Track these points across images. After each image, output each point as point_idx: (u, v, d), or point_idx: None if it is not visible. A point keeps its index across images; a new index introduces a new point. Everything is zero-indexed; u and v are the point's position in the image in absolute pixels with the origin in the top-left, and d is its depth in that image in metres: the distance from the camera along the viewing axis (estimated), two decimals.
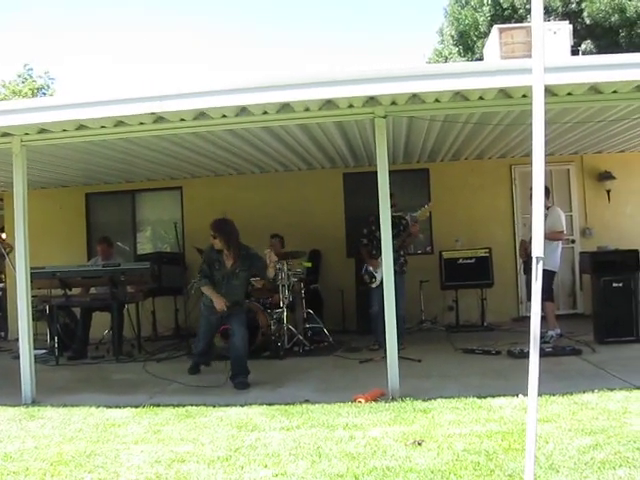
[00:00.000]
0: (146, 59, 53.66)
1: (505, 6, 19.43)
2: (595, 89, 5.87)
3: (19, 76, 29.11)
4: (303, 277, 9.33)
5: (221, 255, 6.99)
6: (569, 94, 5.92)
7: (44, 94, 28.26)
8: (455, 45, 22.92)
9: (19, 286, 6.48)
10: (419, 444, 4.32)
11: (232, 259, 6.96)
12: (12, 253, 8.11)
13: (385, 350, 6.09)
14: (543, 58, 3.26)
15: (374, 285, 8.33)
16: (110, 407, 5.84)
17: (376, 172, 6.20)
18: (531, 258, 3.34)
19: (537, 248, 3.28)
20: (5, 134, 6.47)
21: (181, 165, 9.85)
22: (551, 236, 8.19)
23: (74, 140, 6.74)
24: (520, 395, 5.33)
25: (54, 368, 8.23)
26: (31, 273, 6.67)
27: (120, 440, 4.80)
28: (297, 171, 11.08)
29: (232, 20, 54.83)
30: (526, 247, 8.55)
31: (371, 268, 8.35)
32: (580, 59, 6.71)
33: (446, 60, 23.01)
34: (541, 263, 3.28)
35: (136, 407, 5.80)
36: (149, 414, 5.56)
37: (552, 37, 10.97)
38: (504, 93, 5.92)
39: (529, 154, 3.31)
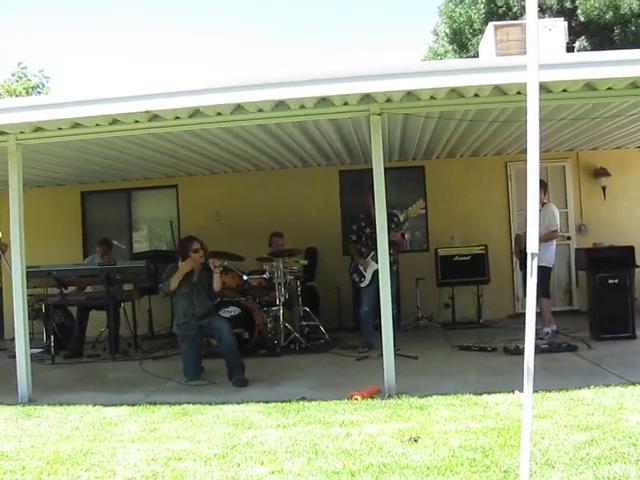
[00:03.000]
0: (142, 58, 53.60)
1: (499, 4, 19.43)
2: (590, 86, 5.89)
3: (13, 75, 29.04)
4: (299, 275, 9.32)
5: None
6: (564, 91, 5.92)
7: (39, 93, 28.20)
8: (450, 43, 22.92)
9: (15, 285, 6.48)
10: (415, 441, 4.33)
11: (197, 271, 7.16)
12: (8, 252, 8.09)
13: (381, 348, 6.10)
14: (537, 55, 3.26)
15: (363, 285, 8.28)
16: (106, 405, 5.84)
17: (372, 169, 6.21)
18: (526, 254, 3.35)
19: (532, 244, 3.28)
20: (0, 132, 6.46)
21: (177, 163, 9.83)
22: (546, 237, 8.20)
23: (69, 138, 6.73)
24: (516, 391, 5.33)
25: (50, 367, 8.23)
26: (27, 272, 6.66)
27: (116, 438, 4.80)
28: (293, 169, 11.06)
29: (229, 19, 54.75)
30: (520, 242, 8.56)
31: (361, 267, 8.29)
32: (575, 56, 6.73)
33: (441, 59, 22.98)
34: (536, 259, 3.28)
35: (132, 405, 5.80)
36: (145, 412, 5.56)
37: (547, 34, 10.99)
38: (499, 90, 5.93)
39: (525, 151, 3.31)
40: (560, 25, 11.61)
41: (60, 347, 8.78)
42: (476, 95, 6.03)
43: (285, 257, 8.83)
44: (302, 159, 10.30)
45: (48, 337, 8.71)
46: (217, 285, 7.12)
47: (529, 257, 3.28)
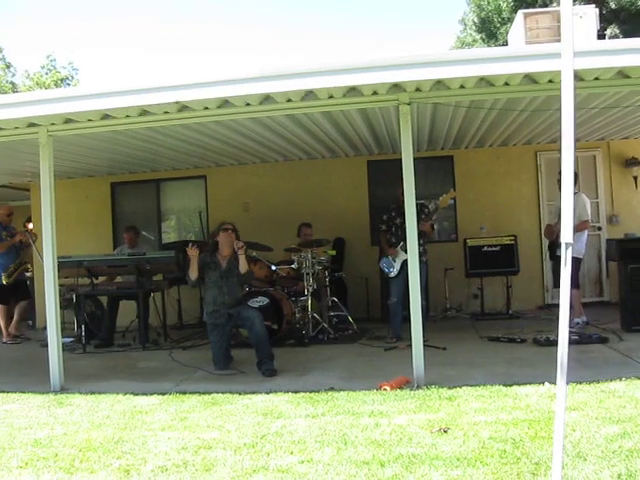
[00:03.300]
0: (170, 49, 53.82)
1: None
2: (623, 73, 5.78)
3: (42, 67, 29.35)
4: (327, 265, 9.32)
5: (214, 257, 7.17)
6: (596, 79, 5.83)
7: (68, 85, 28.47)
8: (478, 32, 22.74)
9: (46, 275, 6.55)
10: (445, 432, 4.32)
11: (227, 258, 7.17)
12: (38, 242, 8.18)
13: (409, 338, 6.09)
14: (572, 42, 3.21)
15: (392, 275, 8.25)
16: (137, 394, 5.90)
17: (400, 159, 6.18)
18: (555, 242, 3.31)
19: (566, 234, 3.23)
20: (32, 124, 6.53)
21: (205, 154, 9.87)
22: (577, 227, 8.10)
23: (99, 130, 6.78)
24: (546, 383, 5.29)
25: (81, 356, 8.34)
26: (58, 262, 6.73)
27: (147, 427, 4.84)
28: (321, 159, 11.06)
29: (254, 9, 54.77)
30: (552, 231, 8.47)
31: (390, 257, 8.24)
32: (608, 43, 6.58)
33: (469, 48, 22.81)
34: (570, 249, 3.23)
35: (163, 394, 5.86)
36: (175, 401, 5.61)
37: (578, 21, 10.83)
38: (530, 78, 5.85)
39: (555, 140, 3.27)
40: (591, 12, 11.44)
41: (91, 336, 8.90)
42: (506, 84, 5.95)
43: (313, 247, 8.84)
44: (330, 149, 10.29)
45: (79, 326, 8.83)
46: (243, 267, 7.09)
47: (563, 247, 3.24)
